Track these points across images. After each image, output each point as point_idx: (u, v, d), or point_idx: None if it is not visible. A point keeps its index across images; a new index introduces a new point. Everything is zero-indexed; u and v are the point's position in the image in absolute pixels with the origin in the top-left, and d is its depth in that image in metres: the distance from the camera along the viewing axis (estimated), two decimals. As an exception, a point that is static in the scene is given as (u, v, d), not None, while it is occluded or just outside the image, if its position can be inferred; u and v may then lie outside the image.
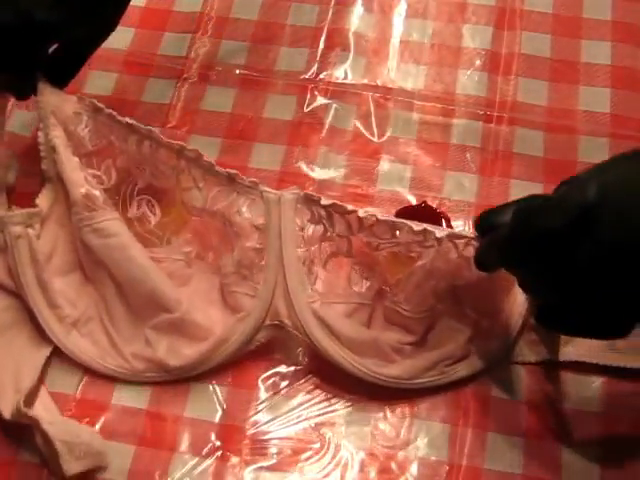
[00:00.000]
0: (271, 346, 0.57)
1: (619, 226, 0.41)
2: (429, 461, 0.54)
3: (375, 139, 0.66)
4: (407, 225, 0.52)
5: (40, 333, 0.57)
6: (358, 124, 0.67)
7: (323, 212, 0.54)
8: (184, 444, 0.55)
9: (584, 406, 0.55)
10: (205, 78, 0.70)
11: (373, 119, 0.67)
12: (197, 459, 0.54)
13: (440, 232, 0.52)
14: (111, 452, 0.54)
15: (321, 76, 0.69)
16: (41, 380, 0.56)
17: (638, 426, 0.55)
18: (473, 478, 0.53)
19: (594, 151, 0.64)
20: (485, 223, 0.50)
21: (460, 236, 0.52)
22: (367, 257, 0.56)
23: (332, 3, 0.73)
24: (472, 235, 0.51)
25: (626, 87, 0.67)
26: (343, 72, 0.69)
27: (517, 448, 0.54)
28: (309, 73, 0.69)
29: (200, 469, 0.54)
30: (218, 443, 0.55)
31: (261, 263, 0.55)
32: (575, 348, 0.55)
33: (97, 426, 0.55)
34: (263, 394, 0.56)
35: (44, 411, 0.54)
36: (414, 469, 0.53)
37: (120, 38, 0.69)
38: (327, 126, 0.67)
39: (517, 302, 0.56)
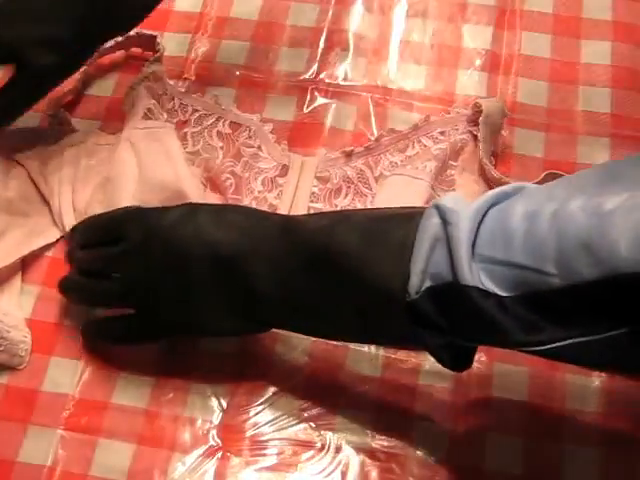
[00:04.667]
0: (271, 346, 0.58)
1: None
2: (429, 461, 0.54)
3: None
4: None
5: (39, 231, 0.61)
6: (358, 124, 0.67)
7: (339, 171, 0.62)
8: (184, 444, 0.54)
9: (584, 406, 0.55)
10: (205, 78, 0.70)
11: (373, 119, 0.67)
12: (197, 459, 0.54)
13: None
14: (111, 451, 0.54)
15: (321, 76, 0.69)
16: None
17: (638, 426, 0.55)
18: (473, 478, 0.53)
19: (594, 151, 0.65)
20: None
21: None
22: None
23: (332, 3, 0.73)
24: None
25: (626, 87, 0.68)
26: (343, 72, 0.69)
27: (517, 448, 0.54)
28: (309, 73, 0.69)
29: (200, 469, 0.54)
30: (218, 443, 0.55)
31: (276, 202, 0.61)
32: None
33: (96, 426, 0.55)
34: (263, 394, 0.56)
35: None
36: (415, 469, 0.53)
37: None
38: (327, 126, 0.66)
39: None
